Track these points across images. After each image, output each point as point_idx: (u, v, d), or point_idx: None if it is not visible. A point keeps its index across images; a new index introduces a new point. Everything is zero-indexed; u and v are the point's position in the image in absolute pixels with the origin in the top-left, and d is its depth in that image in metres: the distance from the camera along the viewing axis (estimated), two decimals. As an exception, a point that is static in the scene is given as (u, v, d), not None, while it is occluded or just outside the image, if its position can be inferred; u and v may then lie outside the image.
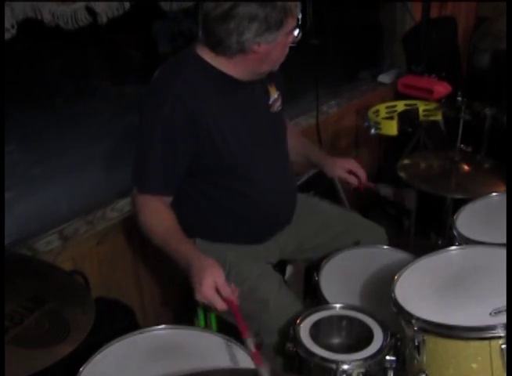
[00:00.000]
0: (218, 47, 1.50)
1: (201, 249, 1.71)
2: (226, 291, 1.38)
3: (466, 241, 1.69)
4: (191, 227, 1.67)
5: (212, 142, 1.56)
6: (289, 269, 2.04)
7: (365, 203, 3.06)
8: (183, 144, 1.54)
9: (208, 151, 1.57)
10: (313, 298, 1.71)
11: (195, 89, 1.53)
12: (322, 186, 2.30)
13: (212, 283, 1.37)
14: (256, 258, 1.72)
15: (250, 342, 1.25)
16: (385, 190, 1.90)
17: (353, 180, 1.91)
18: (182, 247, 1.49)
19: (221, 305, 1.37)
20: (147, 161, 1.56)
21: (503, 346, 1.24)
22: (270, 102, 1.72)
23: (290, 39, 1.55)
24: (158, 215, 1.56)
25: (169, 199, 1.59)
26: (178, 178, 1.60)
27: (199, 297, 1.38)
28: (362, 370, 1.33)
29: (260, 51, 1.49)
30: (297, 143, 1.95)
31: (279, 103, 1.75)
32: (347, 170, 1.91)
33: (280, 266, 1.90)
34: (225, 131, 1.58)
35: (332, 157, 1.95)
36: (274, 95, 1.73)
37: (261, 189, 1.69)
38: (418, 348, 1.32)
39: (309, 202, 1.98)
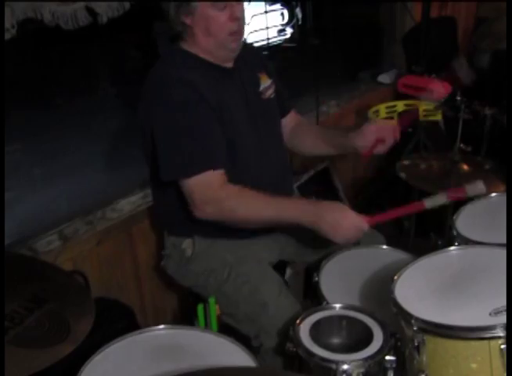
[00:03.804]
0: (180, 33, 1.63)
1: (200, 249, 1.72)
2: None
3: (466, 241, 1.68)
4: (189, 225, 1.66)
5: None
6: (289, 270, 2.04)
7: (366, 203, 3.06)
8: (208, 116, 1.55)
9: None
10: (313, 298, 1.71)
11: (190, 77, 1.57)
12: (322, 187, 2.30)
13: (351, 226, 1.48)
14: (256, 259, 1.72)
15: None
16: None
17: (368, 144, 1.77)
18: (300, 204, 1.54)
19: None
20: (190, 145, 1.52)
21: (503, 346, 1.24)
22: (260, 89, 1.73)
23: (226, 15, 1.55)
24: (245, 192, 1.53)
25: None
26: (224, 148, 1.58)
27: (340, 240, 1.50)
28: (362, 370, 1.33)
29: (190, 23, 1.57)
30: (316, 140, 1.91)
31: (271, 91, 1.77)
32: (375, 134, 1.76)
33: (280, 267, 1.90)
34: (226, 114, 1.61)
35: (353, 131, 1.81)
36: (266, 82, 1.75)
37: (255, 177, 1.68)
38: (418, 348, 1.32)
39: None
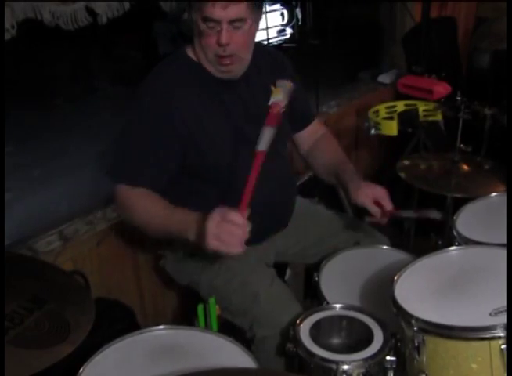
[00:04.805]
0: (184, 33, 1.63)
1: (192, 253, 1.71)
2: (233, 218, 1.36)
3: (466, 241, 1.68)
4: None
5: (195, 140, 1.57)
6: (289, 270, 2.04)
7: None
8: (162, 140, 1.55)
9: (192, 150, 1.58)
10: (313, 298, 1.71)
11: (177, 88, 1.56)
12: (323, 187, 2.29)
13: (216, 227, 1.36)
14: (248, 256, 1.70)
15: None
16: (435, 214, 1.64)
17: (375, 211, 1.65)
18: (186, 214, 1.49)
19: (233, 247, 1.38)
20: (133, 154, 1.58)
21: (503, 346, 1.24)
22: (269, 103, 1.68)
23: (209, 36, 1.50)
24: (149, 197, 1.56)
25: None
26: (163, 174, 1.60)
27: (209, 246, 1.37)
28: (362, 370, 1.33)
29: (193, 28, 1.54)
30: (330, 162, 1.84)
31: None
32: (371, 198, 1.65)
33: (280, 267, 1.90)
34: (208, 130, 1.59)
35: (359, 180, 1.71)
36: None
37: (254, 193, 1.67)
38: (418, 348, 1.32)
39: (312, 210, 1.95)
